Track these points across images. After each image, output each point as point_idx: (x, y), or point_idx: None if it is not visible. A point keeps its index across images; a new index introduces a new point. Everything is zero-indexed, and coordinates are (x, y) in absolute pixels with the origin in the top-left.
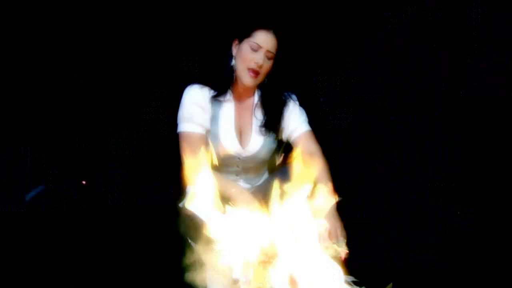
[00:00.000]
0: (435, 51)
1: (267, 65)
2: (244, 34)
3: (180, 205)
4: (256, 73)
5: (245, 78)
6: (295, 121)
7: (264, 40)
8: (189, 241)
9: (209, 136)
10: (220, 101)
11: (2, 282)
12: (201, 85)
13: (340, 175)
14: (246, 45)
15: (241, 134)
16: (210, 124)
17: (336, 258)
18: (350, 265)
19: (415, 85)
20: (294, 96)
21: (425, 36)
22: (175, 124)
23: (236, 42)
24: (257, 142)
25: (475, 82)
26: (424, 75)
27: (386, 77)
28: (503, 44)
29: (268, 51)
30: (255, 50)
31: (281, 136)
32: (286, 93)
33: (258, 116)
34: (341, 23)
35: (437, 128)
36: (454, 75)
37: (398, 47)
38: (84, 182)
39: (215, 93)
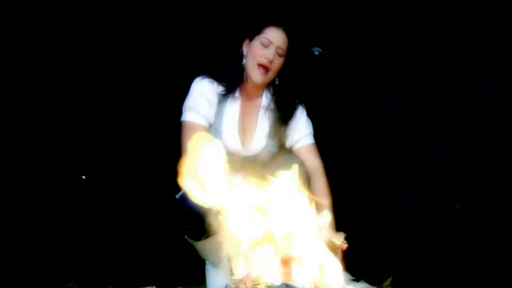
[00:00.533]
0: (435, 51)
1: (277, 61)
2: (255, 31)
3: (177, 196)
4: (266, 69)
5: (255, 75)
6: (301, 132)
7: (274, 36)
8: (186, 237)
9: (212, 131)
10: (227, 98)
11: (3, 281)
12: (211, 79)
13: (340, 174)
14: (257, 42)
15: (244, 134)
16: (214, 119)
17: (336, 252)
18: (350, 260)
19: (415, 85)
20: (303, 105)
21: (425, 36)
22: (174, 122)
23: (247, 41)
24: (259, 144)
25: (475, 82)
26: (424, 75)
27: (386, 77)
28: (503, 44)
29: (278, 47)
30: (265, 46)
31: (284, 141)
32: (296, 100)
33: (264, 118)
34: (341, 22)
35: (437, 128)
36: (454, 75)
37: (398, 47)
38: (84, 177)
39: (224, 89)
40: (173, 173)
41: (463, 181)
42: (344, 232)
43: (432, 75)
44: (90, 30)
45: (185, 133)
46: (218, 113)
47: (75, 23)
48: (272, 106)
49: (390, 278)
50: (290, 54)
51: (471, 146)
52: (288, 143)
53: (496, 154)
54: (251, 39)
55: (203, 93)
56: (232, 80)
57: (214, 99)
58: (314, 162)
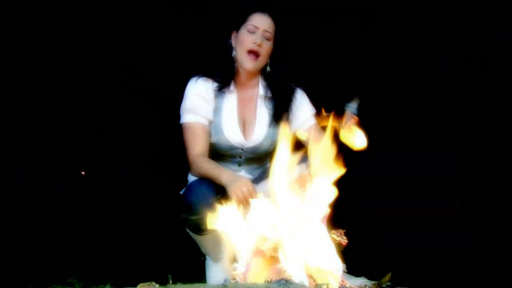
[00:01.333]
0: (435, 50)
1: (266, 45)
2: (241, 21)
3: (181, 192)
4: (255, 54)
5: (246, 62)
6: (305, 114)
7: (259, 21)
8: (188, 230)
9: (212, 128)
10: (223, 93)
11: (4, 278)
12: (204, 77)
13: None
14: (243, 30)
15: (244, 125)
16: (214, 115)
17: (336, 248)
18: (349, 256)
19: (414, 84)
20: (301, 88)
21: (425, 35)
22: (174, 120)
23: (235, 33)
24: (261, 133)
25: (475, 82)
26: (424, 75)
27: (386, 77)
28: (503, 44)
29: (265, 30)
30: (252, 32)
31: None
32: (292, 84)
33: (263, 107)
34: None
35: (437, 127)
36: (454, 75)
37: (399, 45)
38: (83, 173)
39: (218, 85)
40: (175, 170)
41: (463, 179)
42: (344, 228)
43: (432, 75)
44: (90, 29)
45: (187, 134)
46: (217, 109)
47: (75, 24)
48: (269, 94)
49: (390, 274)
50: (278, 38)
51: (471, 145)
52: (293, 128)
53: (496, 154)
54: (237, 30)
55: (198, 93)
56: (225, 74)
57: (210, 96)
58: (320, 136)
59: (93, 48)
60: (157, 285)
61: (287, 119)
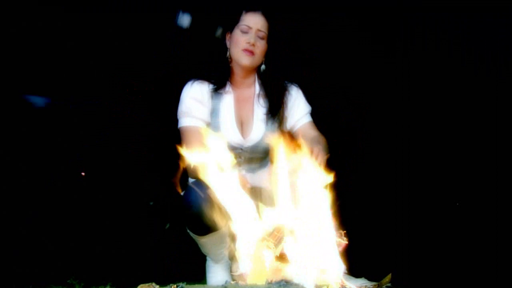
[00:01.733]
0: (435, 50)
1: (260, 44)
2: (234, 22)
3: (182, 193)
4: (250, 52)
5: (242, 59)
6: (300, 111)
7: (252, 20)
8: (188, 231)
9: (211, 129)
10: (220, 94)
11: (4, 278)
12: (199, 80)
13: (340, 171)
14: (237, 30)
15: (242, 125)
16: (211, 117)
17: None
18: (349, 257)
19: (414, 84)
20: (296, 85)
21: (424, 34)
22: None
23: (229, 34)
24: (259, 132)
25: (475, 82)
26: (424, 75)
27: (385, 77)
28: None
29: (258, 30)
30: (245, 32)
31: (283, 124)
32: (286, 82)
33: (260, 106)
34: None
35: (437, 127)
36: (454, 75)
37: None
38: (83, 174)
39: (214, 86)
40: (176, 171)
41: (463, 179)
42: (344, 228)
43: (430, 75)
44: (90, 29)
45: (185, 138)
46: (214, 111)
47: (75, 24)
48: (263, 92)
49: (390, 275)
50: (273, 37)
51: (471, 145)
52: (288, 125)
53: (495, 153)
54: (231, 31)
55: (193, 96)
56: (220, 75)
57: (205, 98)
58: (313, 134)
59: (93, 48)
60: (157, 286)
61: (283, 116)
